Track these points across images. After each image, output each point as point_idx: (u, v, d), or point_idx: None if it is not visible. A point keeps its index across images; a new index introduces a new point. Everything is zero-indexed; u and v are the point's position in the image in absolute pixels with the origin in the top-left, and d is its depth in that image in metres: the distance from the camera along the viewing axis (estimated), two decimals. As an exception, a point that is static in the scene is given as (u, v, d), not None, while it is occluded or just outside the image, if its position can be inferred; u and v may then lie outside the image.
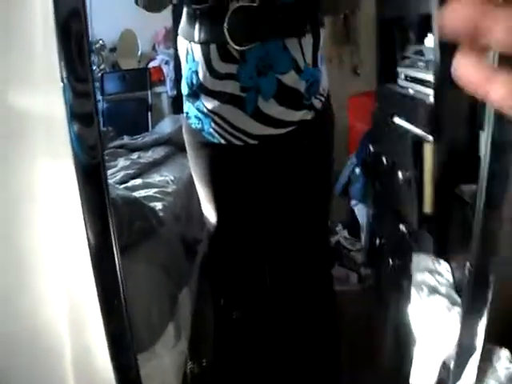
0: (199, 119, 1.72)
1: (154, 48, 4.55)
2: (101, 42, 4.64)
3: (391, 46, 2.60)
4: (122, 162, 3.02)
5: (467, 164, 1.93)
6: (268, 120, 1.65)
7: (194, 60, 1.64)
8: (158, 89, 4.41)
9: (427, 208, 2.15)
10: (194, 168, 1.85)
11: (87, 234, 1.32)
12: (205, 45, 1.60)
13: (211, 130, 1.70)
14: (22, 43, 1.30)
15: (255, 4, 1.54)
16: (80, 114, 1.20)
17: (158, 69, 4.40)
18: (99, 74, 4.60)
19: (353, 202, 3.19)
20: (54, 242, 1.26)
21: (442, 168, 2.06)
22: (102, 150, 1.38)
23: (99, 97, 4.46)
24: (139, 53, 4.50)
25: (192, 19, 1.63)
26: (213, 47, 1.59)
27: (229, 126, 1.67)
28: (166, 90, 4.38)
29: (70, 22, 1.19)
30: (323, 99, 1.75)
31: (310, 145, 1.77)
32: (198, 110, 1.70)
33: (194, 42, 1.62)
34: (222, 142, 1.71)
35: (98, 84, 4.55)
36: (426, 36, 2.23)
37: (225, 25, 1.54)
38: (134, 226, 1.98)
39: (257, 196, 1.85)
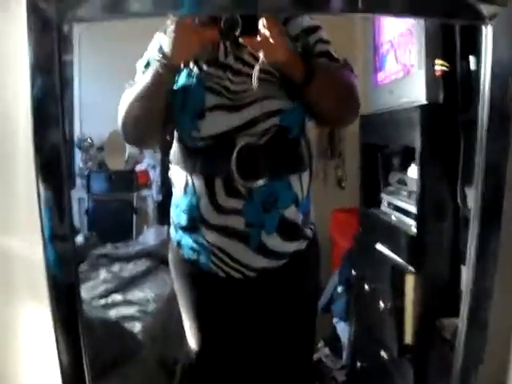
0: (195, 251, 1.70)
1: (141, 151, 4.61)
2: (89, 140, 4.69)
3: (375, 170, 2.64)
4: (103, 274, 3.01)
5: (448, 297, 1.94)
6: (269, 253, 1.66)
7: (195, 193, 1.63)
8: (144, 192, 4.44)
9: (407, 338, 2.14)
10: (184, 296, 1.81)
11: (59, 358, 1.31)
12: (209, 179, 1.61)
13: (209, 262, 1.69)
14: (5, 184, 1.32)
15: (262, 142, 1.57)
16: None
17: (145, 172, 4.44)
18: (86, 173, 4.62)
19: (335, 320, 3.17)
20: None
21: (422, 300, 2.07)
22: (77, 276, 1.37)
23: (85, 195, 4.48)
24: (126, 154, 4.54)
25: (194, 152, 1.63)
26: (218, 182, 1.60)
27: (230, 260, 1.66)
28: (152, 194, 4.41)
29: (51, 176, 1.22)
30: (312, 227, 1.77)
31: (303, 273, 1.77)
32: (197, 242, 1.69)
33: (196, 174, 1.62)
34: (220, 274, 1.70)
35: (84, 182, 4.58)
36: (409, 166, 2.28)
37: (232, 161, 1.56)
38: (110, 349, 1.96)
39: (244, 322, 1.83)
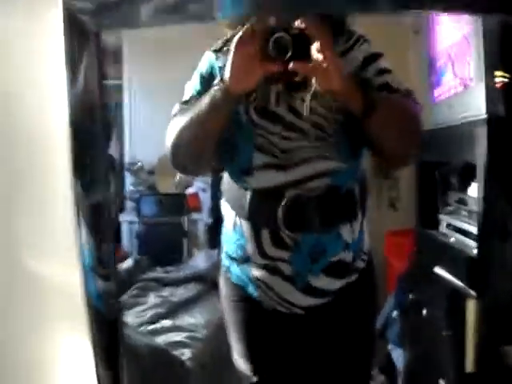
0: (243, 280, 1.65)
1: (191, 175, 4.61)
2: (139, 163, 4.70)
3: (432, 190, 2.55)
4: (152, 299, 2.97)
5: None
6: (316, 292, 1.59)
7: (242, 235, 1.57)
8: (194, 215, 4.41)
9: (468, 366, 2.04)
10: (231, 322, 1.75)
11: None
12: (256, 227, 1.55)
13: (257, 294, 1.63)
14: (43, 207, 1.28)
15: (311, 196, 1.49)
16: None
17: (195, 196, 4.42)
18: (136, 196, 4.63)
19: (390, 346, 3.06)
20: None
21: (484, 326, 1.96)
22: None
23: (135, 218, 4.48)
24: (177, 178, 4.53)
25: (241, 191, 1.56)
26: (265, 231, 1.54)
27: (276, 296, 1.60)
28: (203, 217, 4.38)
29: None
30: (366, 257, 1.68)
31: (354, 305, 1.69)
32: (244, 273, 1.64)
33: (244, 219, 1.57)
34: (266, 306, 1.64)
35: (134, 205, 4.59)
36: (469, 185, 2.18)
37: (279, 213, 1.50)
38: (159, 376, 1.91)
39: (295, 352, 1.76)
